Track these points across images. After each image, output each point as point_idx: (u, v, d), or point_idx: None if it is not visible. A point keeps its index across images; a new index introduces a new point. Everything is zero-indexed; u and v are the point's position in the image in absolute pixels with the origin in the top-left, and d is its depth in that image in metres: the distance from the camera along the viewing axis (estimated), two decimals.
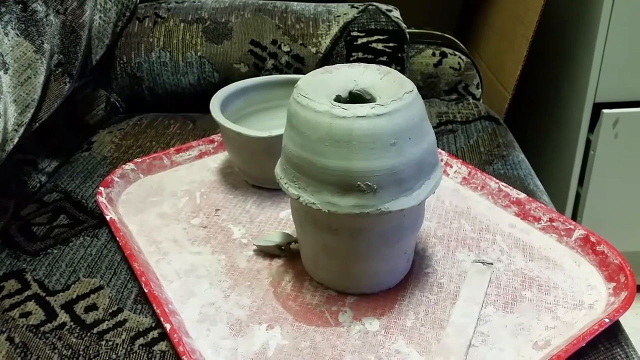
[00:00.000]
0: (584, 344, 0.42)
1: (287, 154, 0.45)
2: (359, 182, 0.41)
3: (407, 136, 0.42)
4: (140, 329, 0.47)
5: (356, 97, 0.46)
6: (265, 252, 0.54)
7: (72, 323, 0.47)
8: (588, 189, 1.04)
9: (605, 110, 0.97)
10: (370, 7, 0.87)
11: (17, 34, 0.63)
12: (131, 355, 0.44)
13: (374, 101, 0.44)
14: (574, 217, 1.10)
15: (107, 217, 0.57)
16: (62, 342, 0.46)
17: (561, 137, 1.09)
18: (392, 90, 0.44)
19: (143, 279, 0.49)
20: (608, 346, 0.45)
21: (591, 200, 1.05)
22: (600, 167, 1.01)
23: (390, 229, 0.45)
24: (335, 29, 0.85)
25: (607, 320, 0.44)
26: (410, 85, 0.44)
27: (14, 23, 0.63)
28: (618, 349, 0.45)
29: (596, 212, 1.06)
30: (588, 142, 1.02)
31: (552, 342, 0.44)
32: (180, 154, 0.69)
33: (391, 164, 0.42)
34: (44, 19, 0.67)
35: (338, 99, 0.45)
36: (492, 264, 0.52)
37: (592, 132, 1.01)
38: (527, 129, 1.25)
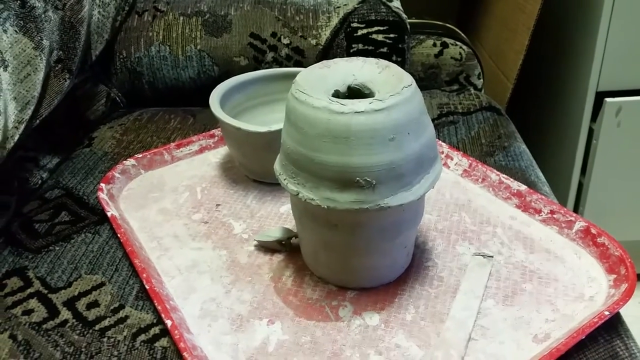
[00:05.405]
0: (584, 337, 0.43)
1: (286, 150, 0.45)
2: (357, 178, 0.41)
3: (406, 131, 0.42)
4: (142, 326, 0.47)
5: (355, 92, 0.46)
6: (266, 247, 0.55)
7: (74, 320, 0.48)
8: (590, 178, 1.03)
9: (608, 99, 0.96)
10: None
11: (15, 31, 0.63)
12: (133, 352, 0.45)
13: (373, 96, 0.44)
14: (577, 206, 1.10)
15: (108, 214, 0.57)
16: (64, 339, 0.46)
17: (564, 127, 1.08)
18: (390, 84, 0.44)
19: (144, 275, 0.49)
20: (608, 338, 0.45)
21: (594, 190, 1.05)
22: (603, 156, 1.01)
23: (389, 223, 0.45)
24: (335, 21, 0.84)
25: (607, 312, 0.44)
26: (409, 79, 0.44)
27: (12, 20, 0.63)
28: (618, 341, 0.45)
29: (599, 201, 1.06)
30: (590, 131, 1.01)
31: (552, 335, 0.44)
32: (181, 149, 0.69)
33: (390, 159, 0.41)
34: (43, 15, 0.67)
35: (336, 94, 0.45)
36: (492, 256, 0.52)
37: (594, 121, 1.00)
38: (529, 119, 1.24)
